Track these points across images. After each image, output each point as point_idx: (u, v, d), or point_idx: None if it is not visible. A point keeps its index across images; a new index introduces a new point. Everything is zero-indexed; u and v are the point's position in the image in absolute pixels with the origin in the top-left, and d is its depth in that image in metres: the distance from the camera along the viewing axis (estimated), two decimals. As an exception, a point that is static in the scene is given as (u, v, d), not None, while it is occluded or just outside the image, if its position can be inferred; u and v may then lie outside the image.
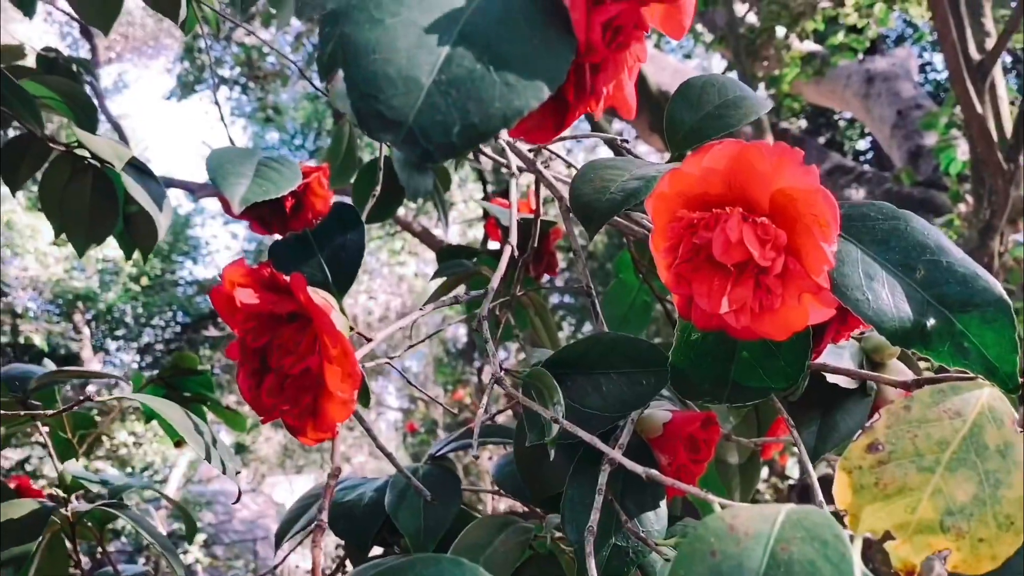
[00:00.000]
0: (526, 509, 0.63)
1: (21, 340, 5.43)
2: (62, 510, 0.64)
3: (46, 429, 0.92)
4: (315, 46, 4.76)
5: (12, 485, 0.98)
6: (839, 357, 0.47)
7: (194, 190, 6.66)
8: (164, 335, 7.41)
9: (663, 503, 0.46)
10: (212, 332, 7.14)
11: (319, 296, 0.34)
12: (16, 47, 0.93)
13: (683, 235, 0.35)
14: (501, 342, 0.71)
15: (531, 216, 0.71)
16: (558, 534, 0.56)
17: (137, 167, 0.67)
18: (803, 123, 6.30)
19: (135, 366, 7.39)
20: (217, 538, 6.79)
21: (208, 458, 0.49)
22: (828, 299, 0.33)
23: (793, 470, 3.49)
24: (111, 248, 7.55)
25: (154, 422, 0.93)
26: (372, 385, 8.37)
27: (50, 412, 0.64)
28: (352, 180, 0.97)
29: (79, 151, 0.72)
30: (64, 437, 1.00)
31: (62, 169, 0.72)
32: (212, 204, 8.14)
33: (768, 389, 0.39)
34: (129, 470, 5.41)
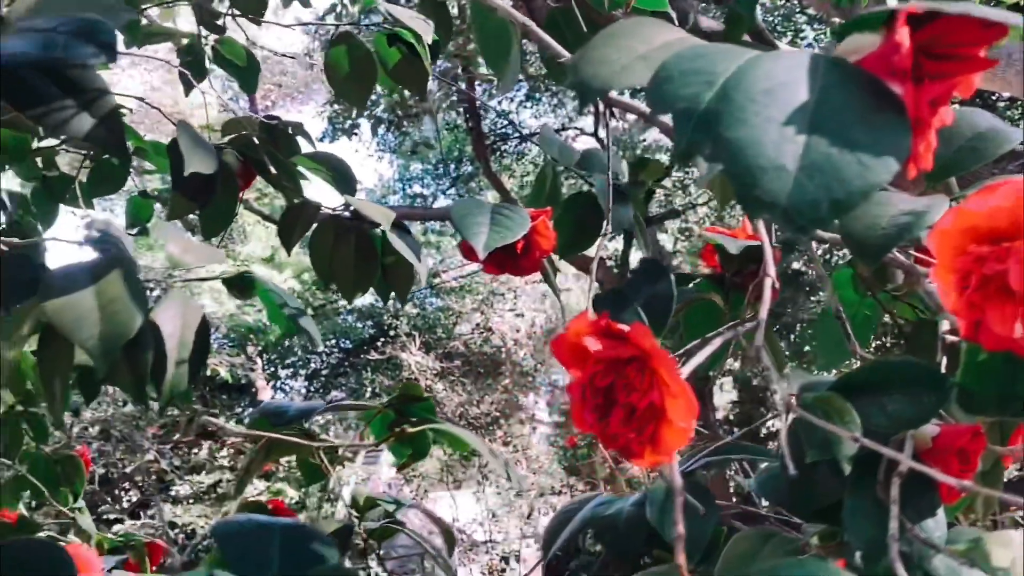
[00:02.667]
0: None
1: (208, 372, 5.93)
2: (357, 528, 0.74)
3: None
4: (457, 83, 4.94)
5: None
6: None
7: (312, 344, 7.06)
8: (329, 360, 7.87)
9: (941, 511, 0.50)
10: (373, 356, 7.51)
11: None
12: (244, 120, 1.07)
13: (972, 267, 0.39)
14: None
15: (753, 243, 0.76)
16: (815, 542, 0.60)
17: (397, 226, 0.77)
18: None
19: (303, 391, 7.90)
20: (387, 553, 7.12)
21: (507, 474, 0.56)
22: None
23: None
24: (279, 283, 8.11)
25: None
26: (523, 401, 8.49)
27: (338, 443, 0.74)
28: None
29: (342, 214, 0.83)
30: (313, 463, 1.13)
31: (328, 230, 0.83)
32: (364, 235, 8.56)
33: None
34: (303, 490, 5.79)
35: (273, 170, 0.80)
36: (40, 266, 0.47)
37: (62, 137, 1.21)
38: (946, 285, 0.41)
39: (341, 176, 0.82)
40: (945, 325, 0.55)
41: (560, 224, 1.12)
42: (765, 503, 0.76)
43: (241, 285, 0.62)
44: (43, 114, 0.44)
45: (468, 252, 0.81)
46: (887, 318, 0.77)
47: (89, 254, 0.55)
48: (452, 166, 7.64)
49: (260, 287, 0.63)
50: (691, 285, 0.86)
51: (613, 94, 0.79)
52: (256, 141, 0.91)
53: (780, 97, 0.32)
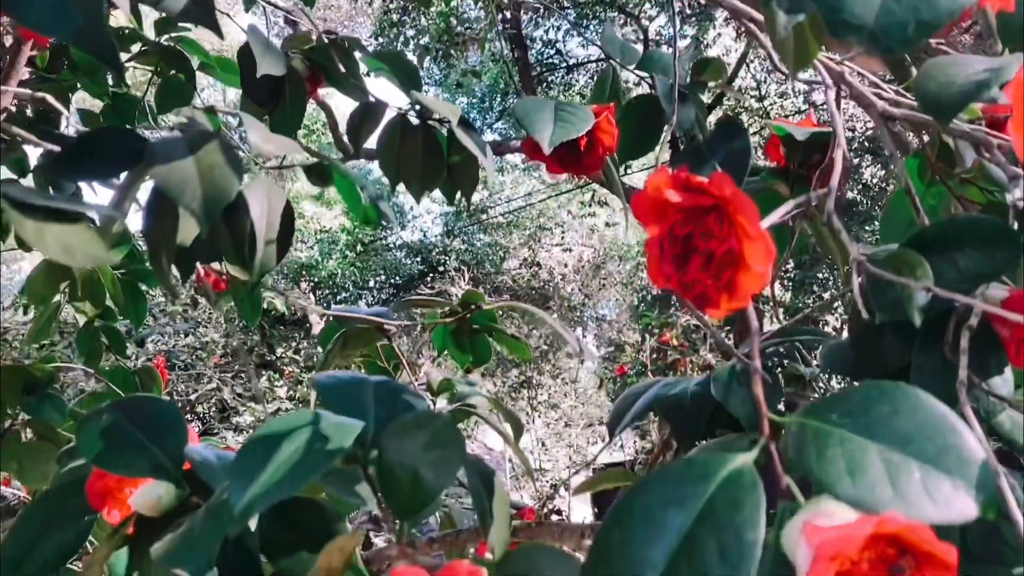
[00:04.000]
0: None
1: (265, 305, 6.10)
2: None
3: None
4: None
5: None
6: None
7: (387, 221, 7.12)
8: (380, 296, 8.01)
9: (1008, 369, 0.51)
10: (423, 291, 7.61)
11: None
12: (306, 35, 1.08)
13: (1052, 113, 0.39)
14: (796, 253, 0.76)
15: (818, 130, 0.75)
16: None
17: (464, 123, 0.79)
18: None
19: (355, 326, 8.07)
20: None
21: (579, 348, 0.59)
22: None
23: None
24: (328, 220, 8.23)
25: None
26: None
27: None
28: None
29: (407, 114, 0.84)
30: (381, 366, 1.18)
31: (395, 129, 0.85)
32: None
33: None
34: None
35: (341, 69, 0.82)
36: (143, 138, 0.50)
37: (130, 54, 1.24)
38: (1020, 135, 0.41)
39: (406, 73, 0.83)
40: (1017, 193, 0.55)
41: (621, 127, 1.12)
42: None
43: (320, 172, 0.65)
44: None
45: (532, 150, 0.83)
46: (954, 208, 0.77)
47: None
48: (498, 98, 7.57)
49: (337, 173, 0.65)
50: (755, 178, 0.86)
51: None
52: (321, 48, 0.93)
53: (868, -75, 0.32)
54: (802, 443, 0.35)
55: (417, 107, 0.83)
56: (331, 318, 1.12)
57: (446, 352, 1.27)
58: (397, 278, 8.01)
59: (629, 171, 6.87)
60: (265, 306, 6.36)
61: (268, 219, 0.60)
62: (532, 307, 0.75)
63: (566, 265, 8.28)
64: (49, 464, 1.12)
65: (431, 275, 7.88)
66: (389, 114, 0.86)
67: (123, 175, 0.51)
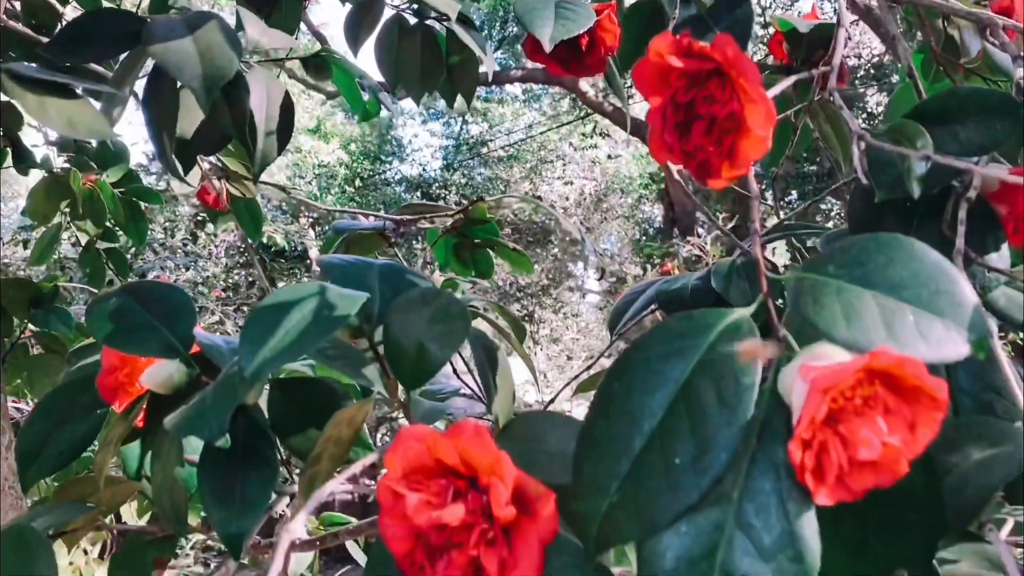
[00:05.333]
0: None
1: (265, 239, 6.10)
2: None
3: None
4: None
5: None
6: None
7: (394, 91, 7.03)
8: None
9: (1005, 247, 0.51)
10: (423, 225, 7.60)
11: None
12: None
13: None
14: (799, 148, 0.76)
15: (821, 23, 0.74)
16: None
17: (463, 19, 0.77)
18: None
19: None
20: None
21: (592, 250, 0.59)
22: None
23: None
24: (326, 154, 8.16)
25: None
26: (572, 269, 8.54)
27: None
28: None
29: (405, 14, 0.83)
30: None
31: (393, 28, 0.84)
32: (410, 104, 8.49)
33: None
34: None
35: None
36: (141, 19, 0.50)
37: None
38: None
39: (406, -27, 0.82)
40: (1019, 72, 0.54)
41: (624, 32, 1.10)
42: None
43: (318, 64, 0.64)
44: None
45: (533, 49, 0.81)
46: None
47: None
48: (497, 26, 7.42)
49: (335, 64, 0.65)
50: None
51: None
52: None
53: None
54: (799, 294, 0.36)
55: (415, 5, 0.82)
56: (331, 231, 1.13)
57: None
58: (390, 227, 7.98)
59: (632, 99, 6.78)
60: (265, 240, 6.37)
61: (267, 110, 0.60)
62: (545, 205, 0.75)
63: (567, 199, 8.23)
64: (57, 376, 1.14)
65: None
66: (386, 14, 0.85)
67: (122, 56, 0.51)
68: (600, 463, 0.36)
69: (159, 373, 0.51)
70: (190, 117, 0.60)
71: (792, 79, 0.48)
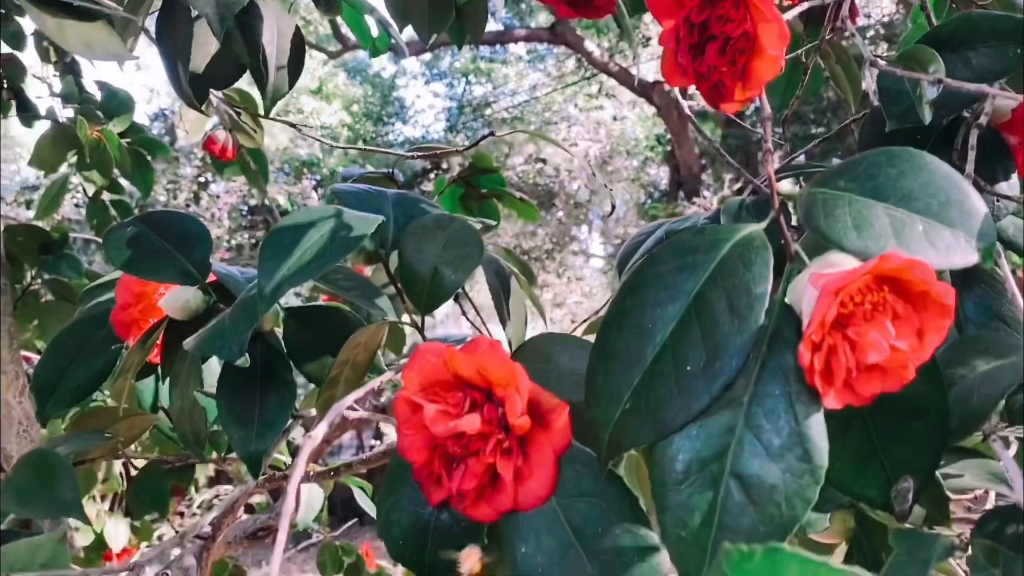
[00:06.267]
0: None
1: (267, 201, 6.10)
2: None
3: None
4: None
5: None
6: None
7: (397, 51, 6.98)
8: (384, 192, 7.97)
9: (1015, 176, 0.52)
10: (427, 187, 7.58)
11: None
12: None
13: None
14: (810, 89, 0.76)
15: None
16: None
17: (472, -44, 0.77)
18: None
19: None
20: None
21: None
22: None
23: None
24: (327, 116, 8.11)
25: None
26: (576, 232, 8.52)
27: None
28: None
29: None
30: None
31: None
32: (412, 64, 8.42)
33: None
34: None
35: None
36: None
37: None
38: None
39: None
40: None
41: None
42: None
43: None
44: None
45: (542, -11, 0.81)
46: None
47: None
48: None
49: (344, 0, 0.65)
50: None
51: None
52: None
53: None
54: (811, 207, 0.36)
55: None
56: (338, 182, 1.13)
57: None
58: (401, 175, 7.95)
59: (638, 60, 6.71)
60: (267, 202, 6.37)
61: (278, 43, 0.60)
62: (546, 135, 0.75)
63: (572, 161, 8.18)
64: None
65: (434, 172, 7.81)
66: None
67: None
68: (613, 374, 0.37)
69: (176, 299, 0.52)
70: (202, 51, 0.60)
71: (806, 5, 0.48)
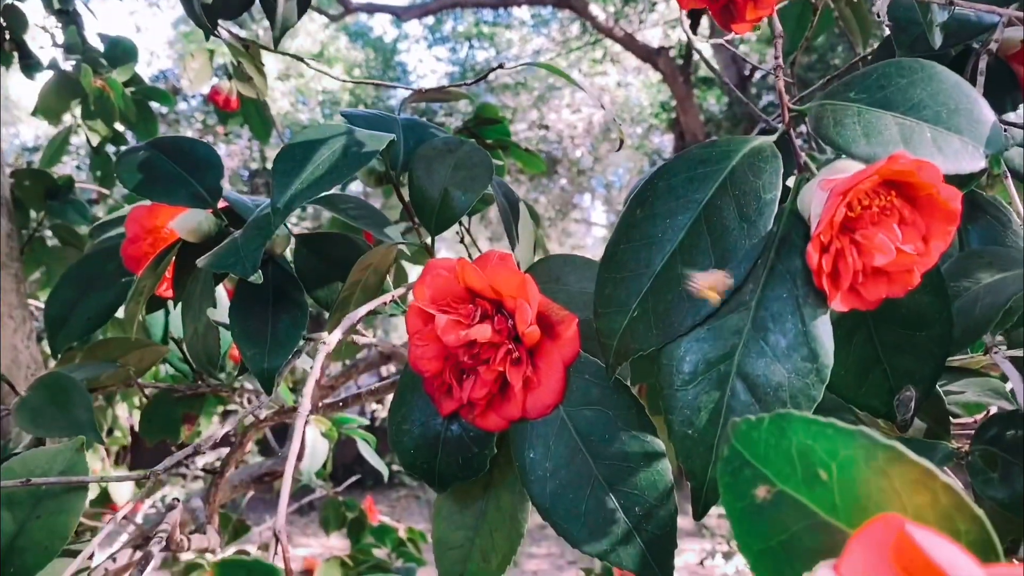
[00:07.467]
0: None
1: (268, 165, 6.07)
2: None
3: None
4: None
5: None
6: None
7: (399, 14, 6.89)
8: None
9: (1022, 107, 0.52)
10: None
11: None
12: None
13: None
14: (820, 32, 0.76)
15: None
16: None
17: None
18: None
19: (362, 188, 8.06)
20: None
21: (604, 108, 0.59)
22: None
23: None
24: (329, 80, 8.04)
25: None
26: (579, 200, 8.50)
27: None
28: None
29: None
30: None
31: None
32: (415, 28, 8.33)
33: None
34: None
35: None
36: None
37: None
38: None
39: None
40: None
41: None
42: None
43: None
44: None
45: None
46: None
47: None
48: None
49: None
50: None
51: None
52: None
53: None
54: (821, 118, 0.37)
55: None
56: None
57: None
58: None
59: (642, 25, 6.65)
60: (267, 166, 6.34)
61: (288, -26, 0.60)
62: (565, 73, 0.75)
63: (575, 127, 8.14)
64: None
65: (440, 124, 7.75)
66: None
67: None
68: (622, 283, 0.37)
69: (189, 221, 0.52)
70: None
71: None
